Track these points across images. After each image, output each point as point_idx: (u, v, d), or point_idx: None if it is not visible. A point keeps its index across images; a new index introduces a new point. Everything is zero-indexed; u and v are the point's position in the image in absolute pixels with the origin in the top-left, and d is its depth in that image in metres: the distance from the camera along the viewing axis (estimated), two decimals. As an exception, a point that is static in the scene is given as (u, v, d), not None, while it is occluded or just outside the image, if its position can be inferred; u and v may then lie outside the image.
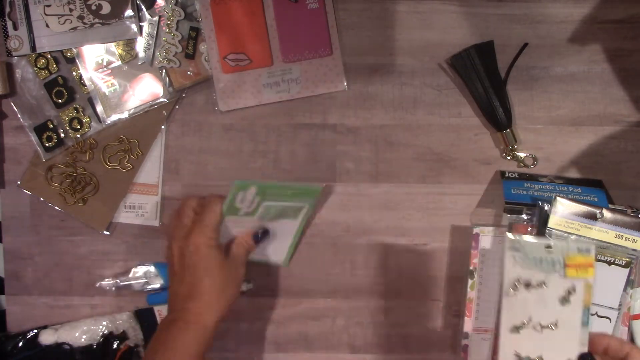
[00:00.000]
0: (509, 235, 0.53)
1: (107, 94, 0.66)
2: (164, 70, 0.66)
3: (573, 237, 0.60)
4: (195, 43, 0.66)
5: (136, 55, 0.66)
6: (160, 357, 0.53)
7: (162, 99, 0.66)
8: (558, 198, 0.60)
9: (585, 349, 0.51)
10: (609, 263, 0.60)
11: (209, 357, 0.55)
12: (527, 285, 0.52)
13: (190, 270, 0.55)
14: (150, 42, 0.66)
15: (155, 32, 0.65)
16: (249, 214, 0.59)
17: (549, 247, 0.52)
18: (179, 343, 0.53)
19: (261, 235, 0.61)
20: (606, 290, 0.61)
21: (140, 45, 0.66)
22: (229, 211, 0.57)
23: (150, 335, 0.56)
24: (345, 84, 0.66)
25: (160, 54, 0.65)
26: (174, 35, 0.65)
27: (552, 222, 0.60)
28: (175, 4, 0.65)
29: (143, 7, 0.65)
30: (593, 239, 0.60)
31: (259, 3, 0.65)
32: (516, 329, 0.52)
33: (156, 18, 0.65)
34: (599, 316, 0.61)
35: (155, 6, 0.65)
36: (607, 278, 0.60)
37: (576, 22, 0.66)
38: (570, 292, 0.52)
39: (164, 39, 0.65)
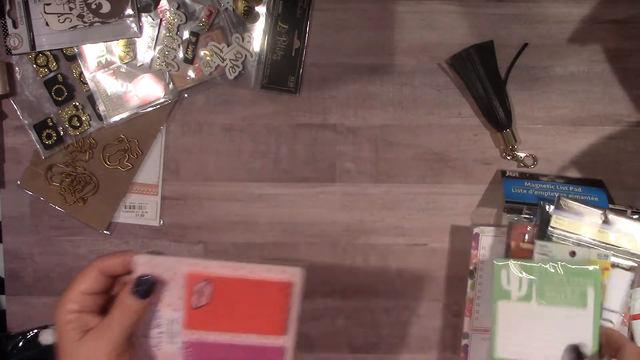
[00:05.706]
0: (539, 241, 0.59)
1: (109, 94, 0.66)
2: (167, 72, 0.66)
3: (575, 237, 0.60)
4: (195, 48, 0.65)
5: (135, 57, 0.66)
6: None
7: (163, 99, 0.66)
8: (562, 197, 0.60)
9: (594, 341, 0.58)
10: (612, 265, 0.60)
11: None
12: None
13: None
14: (150, 44, 0.66)
15: (155, 34, 0.65)
16: (522, 298, 0.56)
17: (573, 253, 0.58)
18: None
19: (144, 285, 0.41)
20: (608, 293, 0.60)
21: (140, 46, 0.66)
22: (499, 294, 0.56)
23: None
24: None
25: (159, 57, 0.65)
26: (174, 39, 0.65)
27: (555, 222, 0.60)
28: (177, 8, 0.65)
29: (152, 4, 0.65)
30: (596, 240, 0.60)
31: None
32: None
33: (157, 20, 0.65)
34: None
35: (157, 8, 0.65)
36: (610, 281, 0.60)
37: (576, 22, 0.66)
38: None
39: (164, 42, 0.65)
